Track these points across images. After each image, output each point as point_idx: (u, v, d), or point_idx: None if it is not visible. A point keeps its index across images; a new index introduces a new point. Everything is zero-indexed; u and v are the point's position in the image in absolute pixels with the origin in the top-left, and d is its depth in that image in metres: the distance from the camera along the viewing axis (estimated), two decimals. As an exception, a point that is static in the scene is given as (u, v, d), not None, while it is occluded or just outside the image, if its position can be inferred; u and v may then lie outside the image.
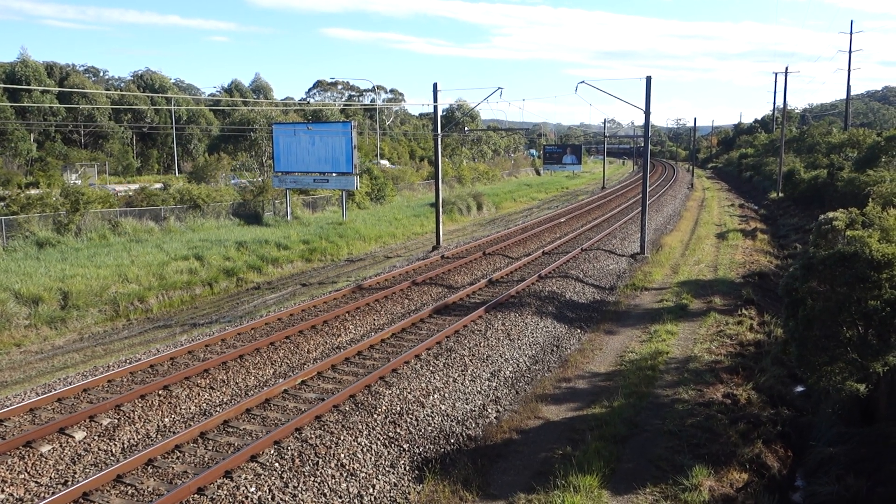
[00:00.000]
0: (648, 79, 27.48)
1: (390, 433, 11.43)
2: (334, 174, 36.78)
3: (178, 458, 10.28)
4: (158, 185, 45.27)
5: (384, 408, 12.09)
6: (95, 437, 10.84)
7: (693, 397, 13.30)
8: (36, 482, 9.61)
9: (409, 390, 12.90)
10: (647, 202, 30.06)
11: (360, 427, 11.35)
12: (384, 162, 72.23)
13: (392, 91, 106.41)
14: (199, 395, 12.73)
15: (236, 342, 15.79)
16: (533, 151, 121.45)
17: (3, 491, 9.26)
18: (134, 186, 45.34)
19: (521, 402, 13.66)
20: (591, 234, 33.46)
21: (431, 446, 11.46)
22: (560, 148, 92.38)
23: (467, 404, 13.11)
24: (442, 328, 16.79)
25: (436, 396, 12.95)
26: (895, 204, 18.18)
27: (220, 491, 9.19)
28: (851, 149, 47.92)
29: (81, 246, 27.30)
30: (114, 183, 53.88)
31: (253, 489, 9.33)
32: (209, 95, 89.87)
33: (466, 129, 74.06)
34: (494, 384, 14.22)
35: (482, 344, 15.85)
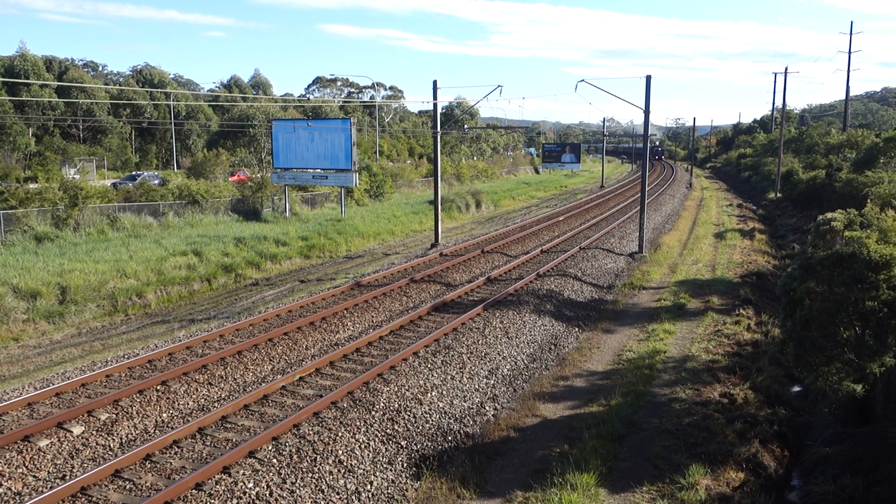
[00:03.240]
0: (648, 78, 27.51)
1: (388, 430, 11.45)
2: (333, 171, 36.75)
3: (176, 453, 10.28)
4: (157, 181, 45.22)
5: (382, 405, 12.11)
6: (93, 432, 10.84)
7: (690, 396, 13.33)
8: (34, 476, 9.61)
9: (407, 388, 12.92)
10: (646, 201, 30.08)
11: (358, 424, 11.37)
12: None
13: (391, 88, 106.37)
14: (197, 390, 12.73)
15: (234, 338, 15.80)
16: (532, 150, 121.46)
17: (1, 485, 9.26)
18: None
19: (519, 400, 13.69)
20: (589, 232, 33.48)
21: (429, 443, 11.49)
22: (559, 146, 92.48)
23: (465, 402, 13.13)
24: (440, 326, 16.81)
25: (434, 394, 12.97)
26: (893, 205, 18.21)
27: (218, 487, 9.20)
28: (850, 150, 47.99)
29: (80, 241, 27.27)
30: (112, 178, 53.81)
31: (251, 485, 9.35)
32: (208, 91, 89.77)
33: (466, 126, 74.07)
34: (492, 382, 14.24)
35: (480, 342, 15.86)
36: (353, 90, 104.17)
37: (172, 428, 11.29)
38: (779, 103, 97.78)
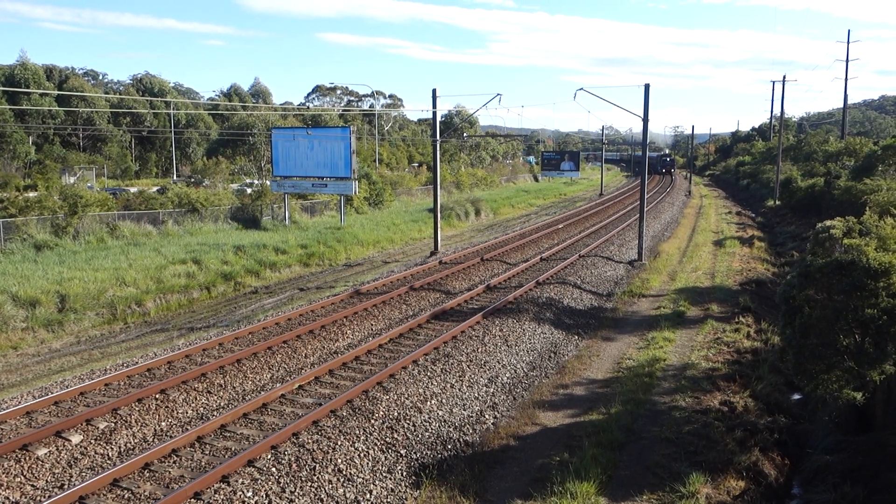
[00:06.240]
0: (647, 86, 27.60)
1: (387, 439, 11.43)
2: (333, 179, 36.82)
3: (174, 462, 10.26)
4: (156, 189, 45.29)
5: (381, 413, 12.09)
6: (92, 441, 10.81)
7: (690, 404, 13.31)
8: (32, 485, 9.58)
9: (406, 396, 12.90)
10: (645, 209, 30.12)
11: (358, 432, 11.34)
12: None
13: (391, 96, 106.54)
14: (196, 399, 12.71)
15: (234, 346, 15.77)
16: (531, 158, 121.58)
17: (-1, 494, 9.23)
18: (132, 190, 45.31)
19: (519, 408, 13.66)
20: (588, 240, 33.50)
21: (429, 452, 11.46)
22: (558, 154, 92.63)
23: (465, 410, 13.10)
24: (440, 334, 16.80)
25: (433, 402, 12.95)
26: (892, 213, 18.24)
27: (216, 496, 9.18)
28: (848, 157, 48.12)
29: (79, 249, 27.27)
30: (112, 186, 53.83)
31: (250, 494, 9.32)
32: (208, 99, 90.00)
33: (465, 134, 74.17)
34: (492, 390, 14.22)
35: (480, 350, 15.85)
36: (352, 98, 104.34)
37: (171, 437, 11.26)
38: (777, 111, 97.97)
